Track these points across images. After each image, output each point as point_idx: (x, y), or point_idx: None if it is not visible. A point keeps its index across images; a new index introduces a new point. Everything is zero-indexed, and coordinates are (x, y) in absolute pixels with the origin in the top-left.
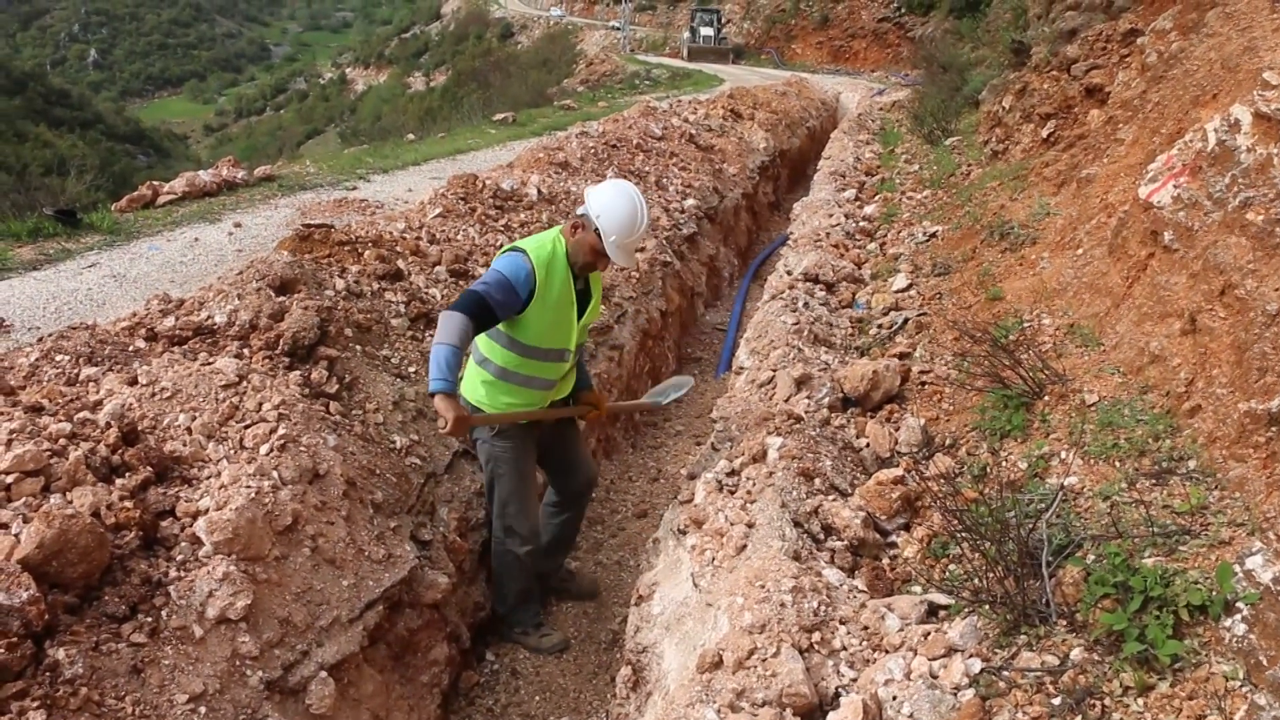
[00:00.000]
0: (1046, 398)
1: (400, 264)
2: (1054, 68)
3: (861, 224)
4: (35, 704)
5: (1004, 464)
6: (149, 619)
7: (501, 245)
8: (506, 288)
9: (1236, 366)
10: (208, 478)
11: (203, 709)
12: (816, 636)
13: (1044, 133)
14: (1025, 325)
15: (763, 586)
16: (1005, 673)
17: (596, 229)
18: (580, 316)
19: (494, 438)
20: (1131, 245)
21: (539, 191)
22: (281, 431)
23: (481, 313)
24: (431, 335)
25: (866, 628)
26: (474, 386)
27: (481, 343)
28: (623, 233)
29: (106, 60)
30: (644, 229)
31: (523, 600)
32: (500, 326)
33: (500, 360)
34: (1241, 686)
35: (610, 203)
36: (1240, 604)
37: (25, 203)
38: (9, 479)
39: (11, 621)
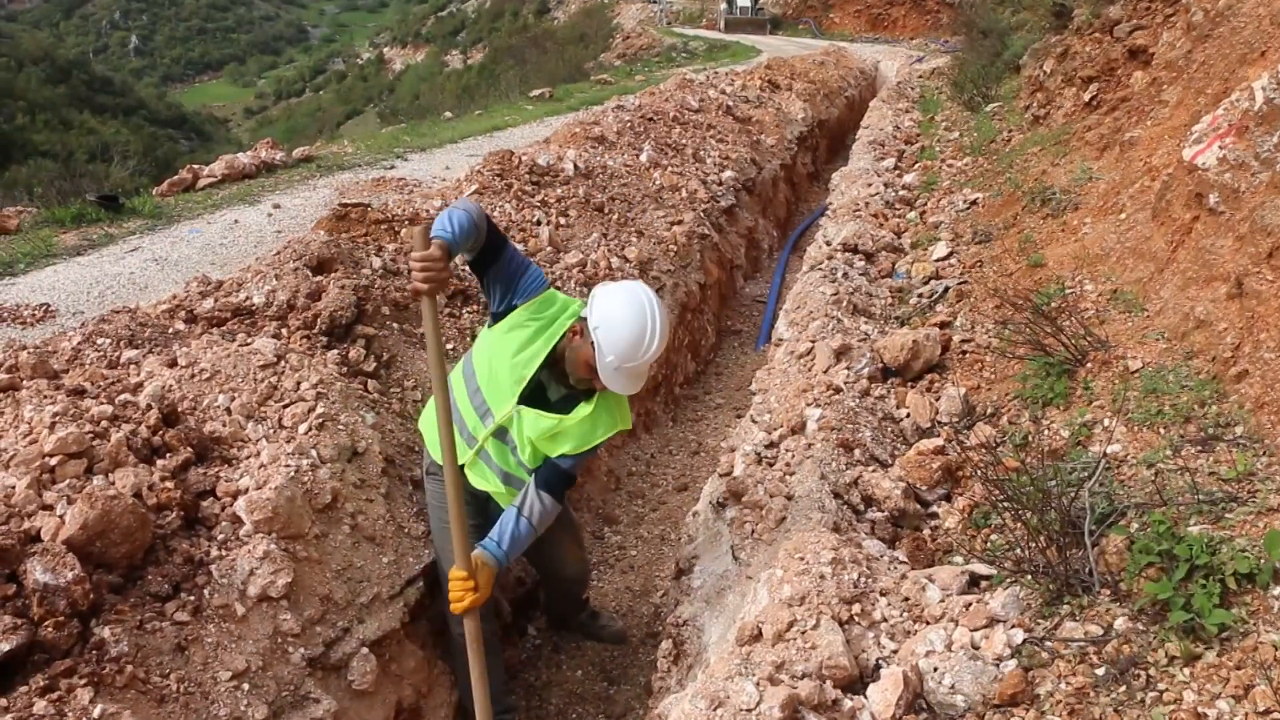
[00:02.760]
0: (1089, 365)
1: None
2: (1096, 30)
3: (901, 193)
4: (83, 682)
5: (1046, 432)
6: (192, 598)
7: (538, 220)
8: (523, 260)
9: None
10: (247, 457)
11: (246, 686)
12: (856, 608)
13: (1086, 96)
14: (1067, 292)
15: (802, 559)
16: (1048, 643)
17: (594, 342)
18: (526, 401)
19: (427, 478)
20: (1176, 208)
21: (575, 167)
22: (320, 410)
23: (495, 230)
24: (469, 312)
25: (907, 599)
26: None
27: (483, 433)
28: (623, 355)
29: (147, 46)
30: (654, 353)
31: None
32: (479, 338)
33: (451, 373)
34: None
35: (617, 314)
36: None
37: (71, 189)
38: (53, 461)
39: (58, 601)
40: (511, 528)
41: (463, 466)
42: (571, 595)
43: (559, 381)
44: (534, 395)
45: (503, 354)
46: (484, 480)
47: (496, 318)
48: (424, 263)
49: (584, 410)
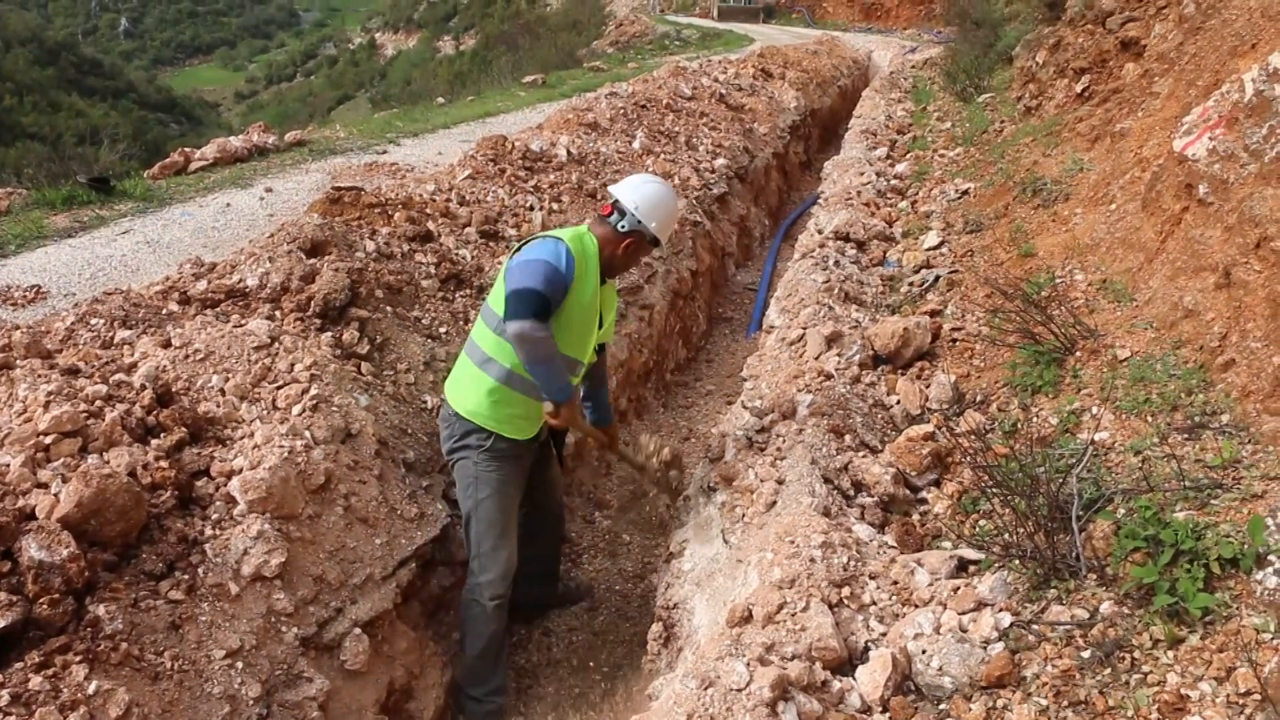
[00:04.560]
0: (1078, 353)
1: (430, 226)
2: (1089, 21)
3: (893, 182)
4: (78, 659)
5: (1035, 420)
6: (186, 576)
7: (531, 206)
8: (554, 277)
9: (1272, 320)
10: (241, 438)
11: (239, 664)
12: (846, 591)
13: (1078, 88)
14: (1057, 281)
15: (792, 542)
16: (1035, 626)
17: (654, 237)
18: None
19: (481, 456)
20: (1165, 199)
21: (568, 152)
22: (314, 392)
23: (545, 311)
24: (462, 296)
25: (896, 582)
26: (470, 395)
27: (488, 341)
28: (673, 226)
29: (137, 29)
30: (680, 209)
31: (483, 664)
32: None
33: (509, 362)
34: (1273, 639)
35: (664, 208)
36: (1272, 557)
37: (60, 172)
38: (48, 440)
39: (53, 578)
40: (606, 395)
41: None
42: (556, 536)
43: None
44: None
45: (578, 312)
46: None
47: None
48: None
49: (612, 296)
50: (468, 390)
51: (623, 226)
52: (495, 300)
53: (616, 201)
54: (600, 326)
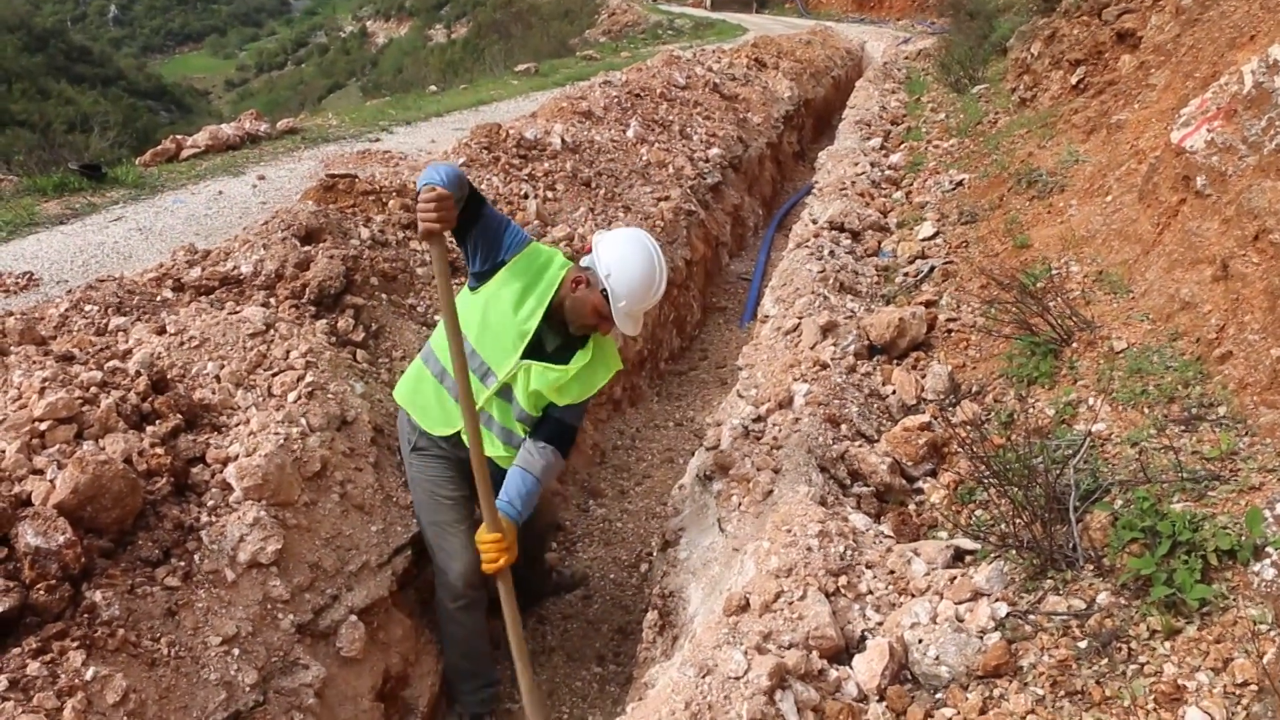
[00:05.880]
0: (1074, 345)
1: None
2: (1084, 13)
3: (887, 172)
4: (75, 644)
5: (1031, 411)
6: (182, 563)
7: (526, 194)
8: (502, 219)
9: (1269, 312)
10: (237, 425)
11: (236, 651)
12: (843, 580)
13: (1073, 79)
14: (1053, 272)
15: (789, 531)
16: (1031, 616)
17: (604, 289)
18: (527, 355)
19: (413, 456)
20: (1162, 191)
21: (563, 141)
22: (309, 379)
23: (474, 190)
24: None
25: (893, 572)
26: (403, 374)
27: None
28: (635, 299)
29: (127, 16)
30: (662, 292)
31: (466, 663)
32: (458, 303)
33: (433, 339)
34: (1270, 630)
35: (625, 260)
36: (1269, 549)
37: (50, 159)
38: (43, 426)
39: (49, 564)
40: (520, 486)
41: (456, 434)
42: (543, 544)
43: (555, 332)
44: (532, 348)
45: (500, 311)
46: (490, 442)
47: (480, 277)
48: (433, 200)
49: (583, 358)
50: (406, 373)
51: (584, 262)
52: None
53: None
54: (543, 359)
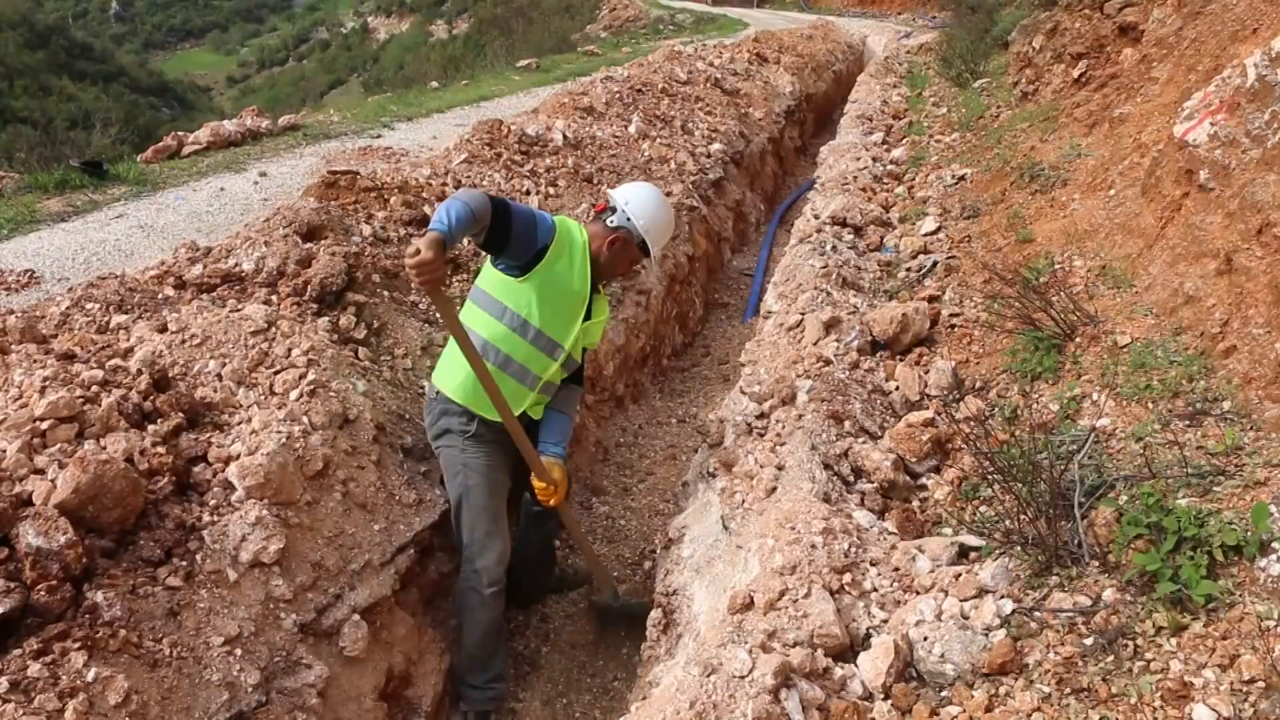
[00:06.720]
0: (1078, 339)
1: (427, 209)
2: (1086, 6)
3: (889, 167)
4: (76, 645)
5: (1035, 406)
6: (184, 563)
7: (527, 190)
8: (528, 219)
9: (1274, 306)
10: (239, 423)
11: (238, 651)
12: (847, 578)
13: (1075, 73)
14: (1056, 267)
15: (793, 528)
16: (1037, 613)
17: (641, 240)
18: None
19: (466, 442)
20: (1165, 185)
21: (564, 137)
22: (311, 377)
23: (500, 210)
24: (459, 280)
25: (897, 569)
26: (455, 373)
27: (467, 312)
28: (663, 237)
29: (128, 12)
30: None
31: (482, 652)
32: (499, 293)
33: (486, 333)
34: (1277, 626)
35: (656, 215)
36: (1276, 544)
37: (51, 156)
38: (44, 425)
39: (51, 564)
40: (565, 429)
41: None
42: (551, 542)
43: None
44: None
45: (561, 289)
46: (538, 408)
47: (524, 268)
48: (417, 265)
49: (603, 304)
50: (454, 369)
51: (611, 222)
52: (485, 280)
53: (609, 199)
54: (588, 318)
